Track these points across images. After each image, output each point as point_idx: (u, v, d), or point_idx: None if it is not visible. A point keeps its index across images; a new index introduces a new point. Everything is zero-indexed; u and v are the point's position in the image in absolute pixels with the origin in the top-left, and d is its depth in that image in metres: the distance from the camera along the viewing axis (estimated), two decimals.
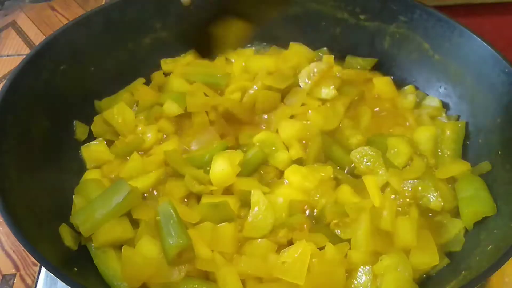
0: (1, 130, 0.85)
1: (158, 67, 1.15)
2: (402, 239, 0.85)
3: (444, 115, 1.06)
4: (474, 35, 0.98)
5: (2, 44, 1.52)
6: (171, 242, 0.79)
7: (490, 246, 0.81)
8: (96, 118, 1.04)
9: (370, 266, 0.82)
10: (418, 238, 0.85)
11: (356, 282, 0.82)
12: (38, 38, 1.53)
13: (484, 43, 0.97)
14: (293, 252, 0.81)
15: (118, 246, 0.84)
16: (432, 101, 1.09)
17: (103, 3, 1.63)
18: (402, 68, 1.13)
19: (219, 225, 0.86)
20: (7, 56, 1.49)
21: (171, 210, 0.82)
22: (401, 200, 0.91)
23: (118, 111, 1.02)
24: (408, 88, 1.12)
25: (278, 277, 0.79)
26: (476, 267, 0.78)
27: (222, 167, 0.91)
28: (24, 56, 0.95)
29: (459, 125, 1.01)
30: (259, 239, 0.85)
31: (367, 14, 1.12)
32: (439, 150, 0.99)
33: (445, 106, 1.08)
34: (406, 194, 0.91)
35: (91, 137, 1.04)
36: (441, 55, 1.06)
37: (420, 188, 0.91)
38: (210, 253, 0.83)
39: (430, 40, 1.06)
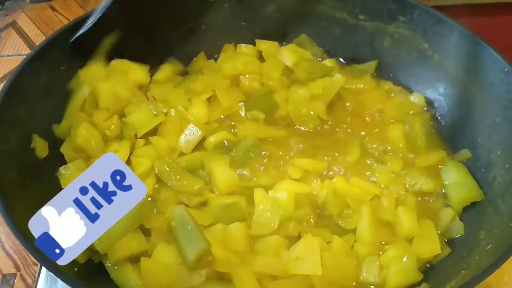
0: (1, 130, 0.85)
1: (157, 68, 1.15)
2: (405, 228, 0.87)
3: (424, 110, 1.08)
4: (473, 35, 0.98)
5: (2, 44, 1.52)
6: (192, 248, 0.78)
7: (490, 246, 0.81)
8: (65, 143, 0.97)
9: (377, 257, 0.84)
10: (419, 226, 0.87)
11: (364, 274, 0.83)
12: (38, 38, 1.53)
13: (484, 43, 0.97)
14: (303, 246, 0.82)
15: (133, 258, 0.83)
16: (415, 98, 1.10)
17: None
18: (401, 68, 1.13)
19: (231, 225, 0.86)
20: (7, 56, 1.48)
21: (188, 215, 0.82)
22: (394, 189, 0.94)
23: (87, 134, 0.95)
24: (389, 85, 1.13)
25: (294, 274, 0.80)
26: (476, 266, 0.78)
27: (227, 175, 0.92)
28: (24, 56, 0.95)
29: (425, 117, 1.05)
30: (269, 236, 0.86)
31: (367, 14, 1.12)
32: (413, 143, 1.03)
33: (444, 105, 1.08)
34: (396, 186, 0.94)
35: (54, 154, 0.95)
36: (440, 55, 1.06)
37: (408, 178, 0.95)
38: (227, 254, 0.83)
39: (429, 40, 1.06)
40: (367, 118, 1.08)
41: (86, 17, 1.03)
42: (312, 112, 1.05)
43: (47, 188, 0.89)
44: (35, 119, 0.93)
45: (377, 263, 0.83)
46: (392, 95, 1.11)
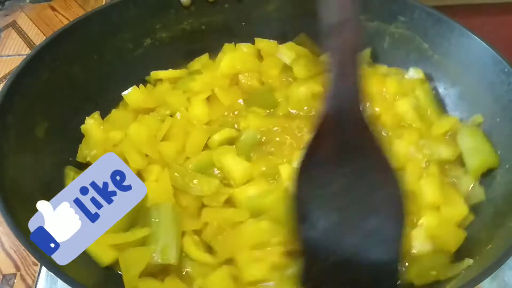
0: (1, 130, 0.85)
1: (158, 68, 1.15)
2: (430, 197, 0.88)
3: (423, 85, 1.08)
4: (473, 35, 0.98)
5: (3, 44, 1.53)
6: None
7: (490, 246, 0.81)
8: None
9: (419, 228, 0.85)
10: (444, 194, 0.89)
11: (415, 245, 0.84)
12: (38, 38, 1.54)
13: (484, 43, 0.97)
14: None
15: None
16: (414, 73, 1.09)
17: (103, 3, 1.63)
18: (401, 68, 1.13)
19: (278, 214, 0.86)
20: (7, 56, 1.49)
21: None
22: (414, 160, 0.94)
23: None
24: (384, 68, 1.13)
25: None
26: (476, 266, 0.78)
27: (239, 164, 0.92)
28: (24, 56, 0.95)
29: (426, 87, 1.06)
30: None
31: (366, 14, 1.12)
32: (424, 113, 1.03)
33: (444, 105, 1.08)
34: (416, 157, 0.94)
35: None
36: (440, 55, 1.06)
37: (426, 148, 0.95)
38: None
39: (430, 40, 1.06)
40: (371, 101, 1.05)
41: (87, 16, 1.03)
42: (313, 111, 1.05)
43: (47, 187, 0.89)
44: (35, 119, 0.93)
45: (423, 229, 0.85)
46: (390, 75, 1.11)
